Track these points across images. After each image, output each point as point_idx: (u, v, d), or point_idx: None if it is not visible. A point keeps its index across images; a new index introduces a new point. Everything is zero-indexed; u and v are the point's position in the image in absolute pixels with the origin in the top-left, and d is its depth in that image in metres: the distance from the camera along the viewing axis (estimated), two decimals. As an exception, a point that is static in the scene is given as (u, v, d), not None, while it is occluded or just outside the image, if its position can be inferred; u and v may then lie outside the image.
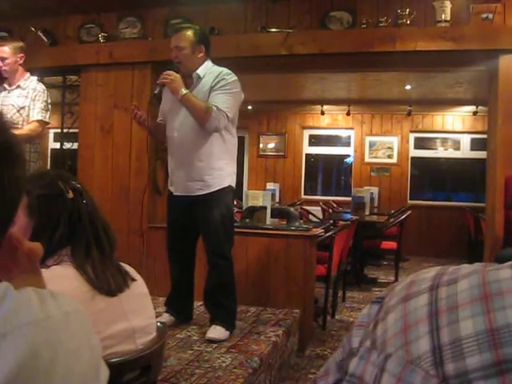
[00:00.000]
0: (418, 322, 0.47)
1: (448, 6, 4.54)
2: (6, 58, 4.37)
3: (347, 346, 0.54)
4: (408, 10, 4.67)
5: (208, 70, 3.66)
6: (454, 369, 0.43)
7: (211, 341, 3.53)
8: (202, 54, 3.66)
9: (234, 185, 3.73)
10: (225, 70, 3.64)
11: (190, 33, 3.61)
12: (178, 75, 3.57)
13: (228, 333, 3.63)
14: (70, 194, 1.56)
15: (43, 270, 1.37)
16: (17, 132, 4.17)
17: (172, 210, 3.84)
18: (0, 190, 0.75)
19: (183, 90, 3.51)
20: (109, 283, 1.52)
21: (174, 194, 3.75)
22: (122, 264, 1.67)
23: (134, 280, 1.64)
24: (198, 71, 3.63)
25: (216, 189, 3.60)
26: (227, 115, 3.52)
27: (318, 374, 0.55)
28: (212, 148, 3.59)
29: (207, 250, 3.68)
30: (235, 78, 3.62)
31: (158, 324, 1.74)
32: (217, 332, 3.57)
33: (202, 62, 3.67)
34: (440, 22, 4.56)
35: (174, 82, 3.53)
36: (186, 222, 3.74)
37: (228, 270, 3.67)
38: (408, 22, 4.67)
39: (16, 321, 0.68)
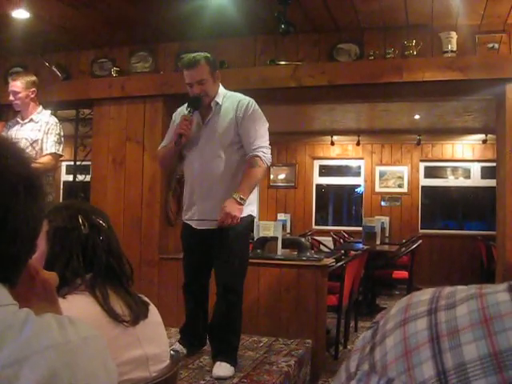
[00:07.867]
0: (420, 346, 0.47)
1: (454, 36, 4.60)
2: (18, 93, 4.46)
3: (345, 371, 0.53)
4: (414, 41, 4.73)
5: (224, 96, 3.66)
6: None
7: (220, 379, 3.42)
8: (219, 80, 3.67)
9: (255, 214, 3.66)
10: (242, 97, 3.64)
11: (204, 63, 3.55)
12: None
13: (233, 369, 3.52)
14: (86, 229, 1.60)
15: (60, 300, 1.41)
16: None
17: (189, 244, 3.75)
18: (26, 221, 0.79)
19: (236, 197, 3.38)
20: (125, 313, 1.55)
21: (195, 227, 3.63)
22: (139, 295, 1.70)
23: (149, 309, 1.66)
24: (217, 99, 3.61)
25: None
26: (267, 146, 3.55)
27: None
28: (235, 177, 3.52)
29: (219, 283, 3.59)
30: (255, 102, 3.64)
31: (172, 352, 1.76)
32: (223, 369, 3.47)
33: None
34: (446, 52, 4.62)
35: (234, 218, 3.37)
36: (203, 254, 3.65)
37: (236, 304, 3.57)
38: (415, 52, 4.73)
39: (37, 345, 0.71)
